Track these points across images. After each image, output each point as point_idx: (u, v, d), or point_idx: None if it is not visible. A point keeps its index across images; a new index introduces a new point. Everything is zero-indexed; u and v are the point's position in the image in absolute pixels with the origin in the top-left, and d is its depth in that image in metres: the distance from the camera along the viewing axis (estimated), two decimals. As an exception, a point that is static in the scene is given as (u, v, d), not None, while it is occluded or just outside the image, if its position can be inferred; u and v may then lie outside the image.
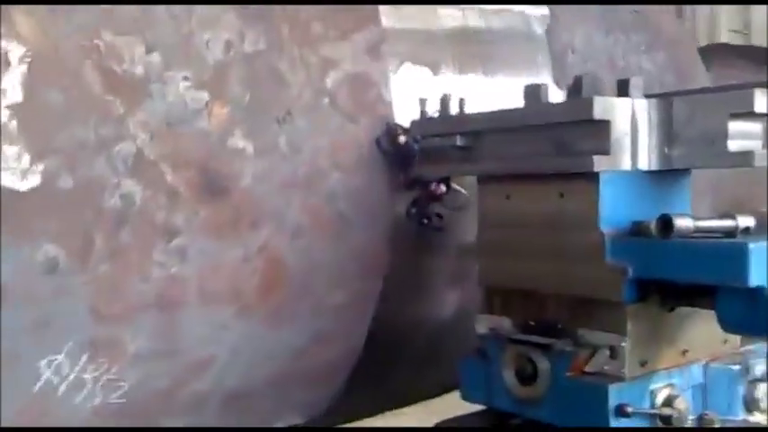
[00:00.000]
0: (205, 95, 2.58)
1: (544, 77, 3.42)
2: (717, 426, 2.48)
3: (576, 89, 2.56)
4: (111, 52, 2.41)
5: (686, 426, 2.43)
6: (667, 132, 2.50)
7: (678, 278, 2.33)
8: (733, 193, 3.99)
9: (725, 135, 2.38)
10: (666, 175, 2.55)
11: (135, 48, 2.45)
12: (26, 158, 2.24)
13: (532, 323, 2.63)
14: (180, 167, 2.51)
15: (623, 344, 2.40)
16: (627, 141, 2.47)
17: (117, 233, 2.40)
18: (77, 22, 2.36)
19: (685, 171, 2.61)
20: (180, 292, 2.55)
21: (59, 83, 2.31)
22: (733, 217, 2.38)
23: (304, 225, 2.80)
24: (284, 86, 2.78)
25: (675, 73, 4.13)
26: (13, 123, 2.22)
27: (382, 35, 3.09)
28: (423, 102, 3.07)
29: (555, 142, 2.58)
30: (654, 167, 2.50)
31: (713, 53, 6.15)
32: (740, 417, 2.56)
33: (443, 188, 3.06)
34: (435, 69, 3.28)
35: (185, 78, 2.54)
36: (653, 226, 2.38)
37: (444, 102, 2.98)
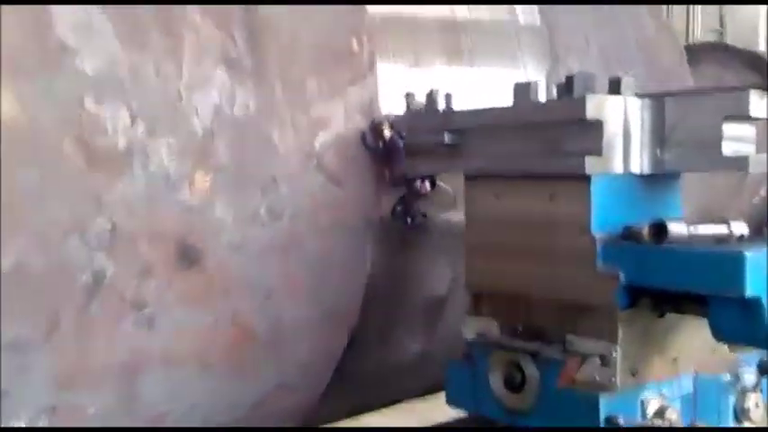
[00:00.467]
0: (188, 165, 2.45)
1: (530, 72, 3.35)
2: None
3: (567, 88, 2.49)
4: (92, 124, 2.26)
5: (677, 433, 2.39)
6: (659, 134, 2.45)
7: (671, 286, 2.28)
8: (700, 202, 3.89)
9: (719, 138, 2.33)
10: (658, 179, 2.49)
11: (119, 117, 2.31)
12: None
13: (520, 328, 2.57)
14: (156, 241, 2.39)
15: (614, 353, 2.34)
16: (619, 143, 2.41)
17: (85, 308, 2.28)
18: (59, 91, 2.22)
19: (676, 174, 2.55)
20: (144, 358, 2.45)
21: (36, 161, 2.18)
22: (726, 223, 2.32)
23: (277, 288, 2.70)
24: (271, 152, 2.65)
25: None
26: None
27: (376, 89, 2.98)
28: (409, 96, 2.99)
29: (545, 142, 2.52)
30: (646, 171, 2.44)
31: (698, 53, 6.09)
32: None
33: (429, 186, 2.99)
34: (421, 62, 3.20)
35: (169, 148, 2.40)
36: (645, 231, 2.32)
37: (431, 97, 2.90)
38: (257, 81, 2.61)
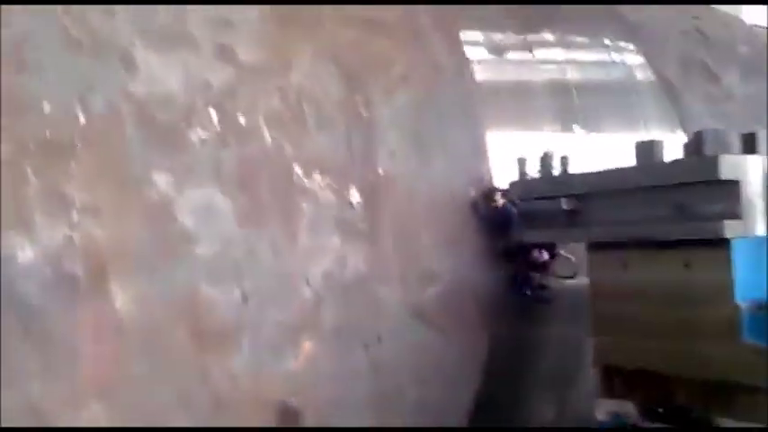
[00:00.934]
0: (296, 334, 2.42)
1: (652, 132, 3.17)
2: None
3: (696, 145, 2.30)
4: (205, 308, 2.25)
5: None
6: (802, 191, 2.23)
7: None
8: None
9: None
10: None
11: (232, 298, 2.30)
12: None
13: (660, 410, 2.35)
14: (257, 406, 2.34)
15: (774, 437, 2.10)
16: (760, 203, 2.21)
17: None
18: (176, 280, 2.21)
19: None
20: None
21: (148, 351, 2.15)
22: None
23: None
24: (378, 309, 2.60)
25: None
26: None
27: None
28: (522, 161, 2.85)
29: (675, 205, 2.33)
30: (792, 231, 2.22)
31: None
32: None
33: (546, 255, 2.82)
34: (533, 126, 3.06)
35: (278, 321, 2.38)
36: (797, 299, 2.10)
37: (546, 160, 2.76)
38: (370, 242, 2.60)
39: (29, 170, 1.99)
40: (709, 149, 2.26)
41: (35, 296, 1.96)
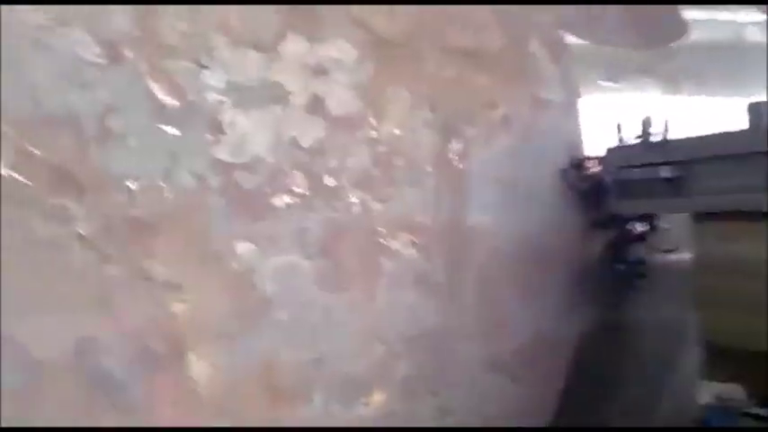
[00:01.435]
0: (368, 387, 2.42)
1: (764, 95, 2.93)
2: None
3: (814, 107, 2.10)
4: (282, 371, 2.28)
5: None
6: None
7: None
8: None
9: None
10: None
11: (308, 360, 2.32)
12: None
13: (771, 394, 2.17)
14: None
15: None
16: None
17: None
18: (255, 347, 2.23)
19: None
20: None
21: (227, 414, 2.18)
22: None
23: None
24: (452, 361, 2.56)
25: None
26: None
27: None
28: (619, 126, 2.67)
29: (788, 172, 2.13)
30: None
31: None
32: None
33: (645, 227, 2.65)
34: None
35: (352, 375, 2.39)
36: None
37: (646, 125, 2.57)
38: (450, 298, 2.55)
39: (111, 249, 2.01)
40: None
41: (118, 372, 2.03)
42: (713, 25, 3.13)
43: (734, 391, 2.25)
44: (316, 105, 2.31)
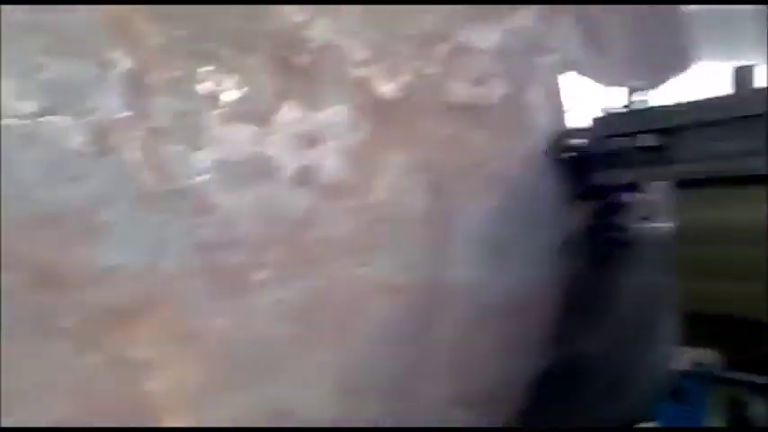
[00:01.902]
0: None
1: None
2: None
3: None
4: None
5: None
6: None
7: None
8: None
9: None
10: None
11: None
12: None
13: (746, 359, 2.14)
14: None
15: None
16: None
17: None
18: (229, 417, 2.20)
19: None
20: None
21: None
22: None
23: None
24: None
25: None
26: None
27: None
28: (604, 96, 2.65)
29: (773, 138, 2.10)
30: None
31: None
32: None
33: (628, 196, 2.63)
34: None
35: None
36: None
37: (631, 94, 2.55)
38: (422, 348, 2.49)
39: (90, 339, 1.98)
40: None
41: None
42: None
43: (709, 357, 2.23)
44: (306, 176, 2.24)
